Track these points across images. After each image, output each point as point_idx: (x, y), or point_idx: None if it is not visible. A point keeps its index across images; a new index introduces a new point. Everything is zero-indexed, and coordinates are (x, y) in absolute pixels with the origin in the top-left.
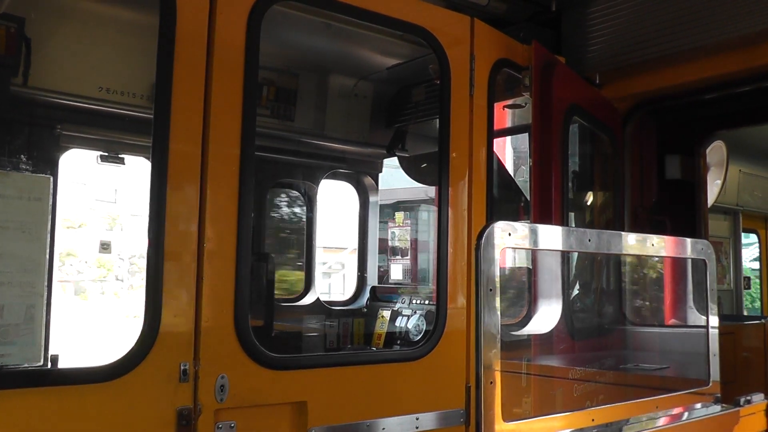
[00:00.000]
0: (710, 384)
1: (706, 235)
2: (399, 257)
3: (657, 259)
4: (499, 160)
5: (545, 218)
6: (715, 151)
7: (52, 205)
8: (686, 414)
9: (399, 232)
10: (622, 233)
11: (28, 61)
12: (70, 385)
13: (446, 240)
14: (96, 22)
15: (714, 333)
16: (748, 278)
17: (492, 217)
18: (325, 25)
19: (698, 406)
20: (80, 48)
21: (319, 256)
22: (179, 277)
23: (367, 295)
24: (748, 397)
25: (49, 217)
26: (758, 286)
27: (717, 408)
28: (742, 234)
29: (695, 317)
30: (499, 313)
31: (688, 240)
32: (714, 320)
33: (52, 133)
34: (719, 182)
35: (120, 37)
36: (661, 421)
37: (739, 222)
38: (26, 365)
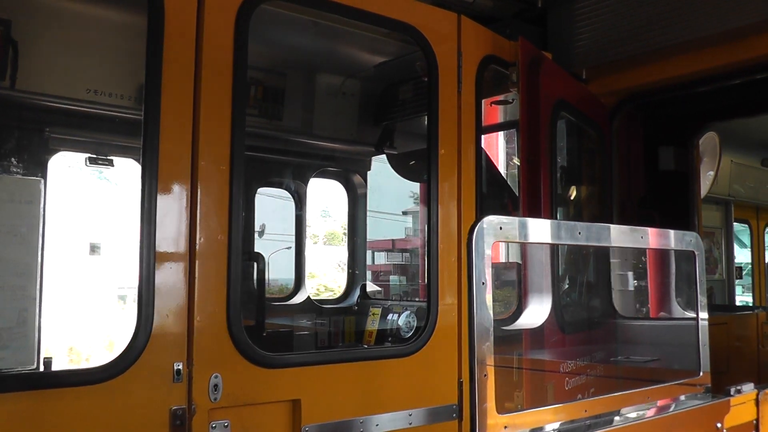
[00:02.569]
0: (701, 374)
1: (699, 225)
2: None
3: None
4: (487, 156)
5: (534, 213)
6: (708, 142)
7: (43, 207)
8: (677, 404)
9: None
10: (612, 225)
11: (16, 64)
12: (64, 388)
13: (436, 236)
14: (83, 24)
15: (704, 324)
16: (740, 268)
17: (481, 212)
18: (313, 23)
19: (689, 396)
20: (67, 50)
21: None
22: (171, 277)
23: (357, 292)
24: (739, 387)
25: (41, 220)
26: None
27: (707, 398)
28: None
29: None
30: (491, 306)
31: (678, 232)
32: (704, 312)
33: (41, 136)
34: (711, 173)
35: (107, 39)
36: (653, 412)
37: (731, 212)
38: (19, 369)
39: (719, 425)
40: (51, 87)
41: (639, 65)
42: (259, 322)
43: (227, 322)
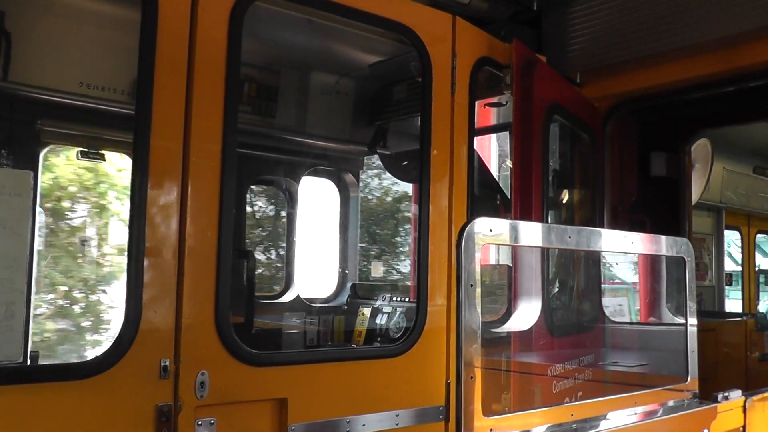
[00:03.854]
0: (688, 380)
1: (689, 232)
2: None
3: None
4: (480, 158)
5: (526, 216)
6: (700, 149)
7: (33, 200)
8: (665, 410)
9: None
10: (602, 230)
11: (8, 56)
12: (50, 382)
13: (427, 237)
14: (76, 17)
15: (692, 330)
16: (731, 275)
17: (473, 214)
18: (307, 21)
19: (677, 402)
20: (60, 43)
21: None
22: (160, 273)
23: (347, 292)
24: (726, 394)
25: (30, 212)
26: None
27: (695, 404)
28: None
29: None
30: (479, 308)
31: (668, 238)
32: (692, 318)
33: (32, 129)
34: (703, 180)
35: (101, 33)
36: (640, 417)
37: (722, 219)
38: (6, 362)
39: (706, 431)
40: (43, 80)
41: (633, 70)
42: (247, 320)
43: (215, 319)
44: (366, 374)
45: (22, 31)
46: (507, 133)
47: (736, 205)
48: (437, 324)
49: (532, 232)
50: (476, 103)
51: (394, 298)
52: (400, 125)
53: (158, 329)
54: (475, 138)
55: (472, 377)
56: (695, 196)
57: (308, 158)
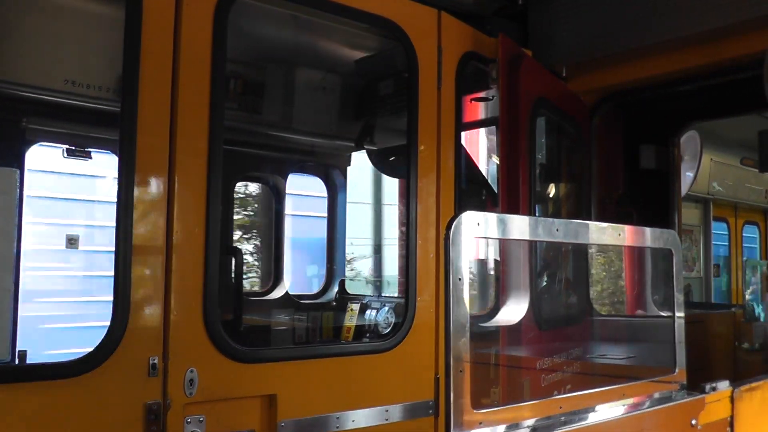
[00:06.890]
0: (676, 371)
1: (679, 224)
2: None
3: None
4: (467, 153)
5: (513, 211)
6: (689, 140)
7: (19, 198)
8: (652, 401)
9: None
10: (590, 223)
11: None
12: (37, 381)
13: (414, 233)
14: (61, 14)
15: (680, 322)
16: (718, 266)
17: (460, 209)
18: (292, 17)
19: (664, 393)
20: (45, 40)
21: None
22: (147, 270)
23: (336, 288)
24: (714, 384)
25: (16, 210)
26: None
27: (683, 395)
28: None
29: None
30: (468, 302)
31: (655, 229)
32: (680, 309)
33: (17, 127)
34: (691, 173)
35: (86, 30)
36: (628, 408)
37: (709, 210)
38: None
39: (694, 422)
40: (28, 77)
41: (620, 63)
42: (236, 317)
43: (203, 316)
44: (355, 370)
45: (6, 28)
46: (494, 127)
47: (723, 196)
48: (426, 319)
49: (519, 225)
50: (463, 97)
51: (383, 294)
52: (387, 121)
53: (146, 327)
54: (462, 133)
55: (461, 371)
56: (684, 189)
57: (295, 154)
